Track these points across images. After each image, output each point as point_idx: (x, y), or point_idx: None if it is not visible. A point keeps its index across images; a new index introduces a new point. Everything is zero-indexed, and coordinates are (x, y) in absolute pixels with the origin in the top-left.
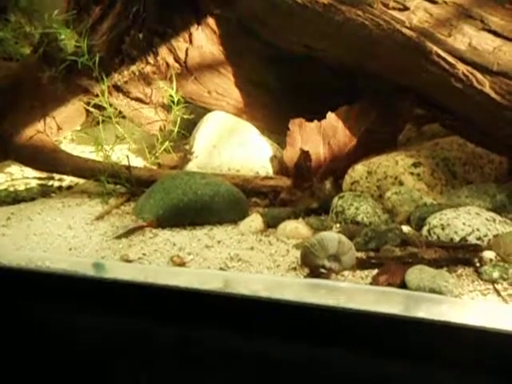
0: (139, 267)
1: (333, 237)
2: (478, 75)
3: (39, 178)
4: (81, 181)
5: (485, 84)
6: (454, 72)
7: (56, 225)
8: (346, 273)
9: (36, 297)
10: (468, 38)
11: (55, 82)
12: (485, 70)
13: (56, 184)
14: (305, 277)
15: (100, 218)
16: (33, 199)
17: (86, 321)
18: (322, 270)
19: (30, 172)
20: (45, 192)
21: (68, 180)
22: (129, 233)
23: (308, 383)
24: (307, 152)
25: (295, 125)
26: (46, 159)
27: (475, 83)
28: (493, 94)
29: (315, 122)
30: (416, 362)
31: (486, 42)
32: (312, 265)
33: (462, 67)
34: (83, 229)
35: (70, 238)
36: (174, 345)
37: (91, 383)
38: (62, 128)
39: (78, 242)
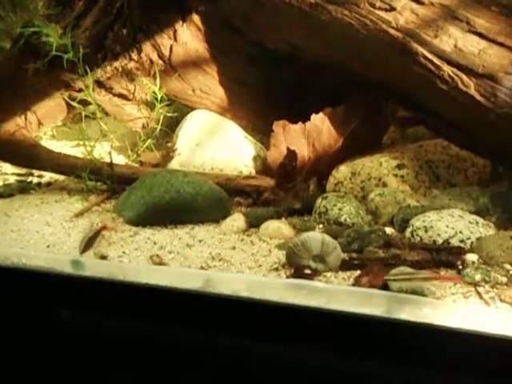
0: (118, 265)
1: (316, 237)
2: (464, 77)
3: (18, 174)
4: (61, 177)
5: (470, 86)
6: (440, 74)
7: (34, 221)
8: (328, 274)
9: (12, 294)
10: (454, 39)
11: (38, 75)
12: (470, 72)
13: (35, 180)
14: (288, 277)
15: (79, 215)
16: (11, 195)
17: (63, 318)
18: (307, 271)
19: (8, 168)
20: (23, 188)
21: (48, 176)
22: (90, 244)
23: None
24: (293, 151)
25: (279, 126)
26: (26, 155)
27: (460, 85)
28: (478, 97)
29: (299, 123)
30: (397, 363)
31: (472, 44)
32: (296, 265)
33: (447, 69)
34: (62, 226)
35: (47, 234)
36: (152, 343)
37: (68, 380)
38: (43, 123)
39: (56, 239)
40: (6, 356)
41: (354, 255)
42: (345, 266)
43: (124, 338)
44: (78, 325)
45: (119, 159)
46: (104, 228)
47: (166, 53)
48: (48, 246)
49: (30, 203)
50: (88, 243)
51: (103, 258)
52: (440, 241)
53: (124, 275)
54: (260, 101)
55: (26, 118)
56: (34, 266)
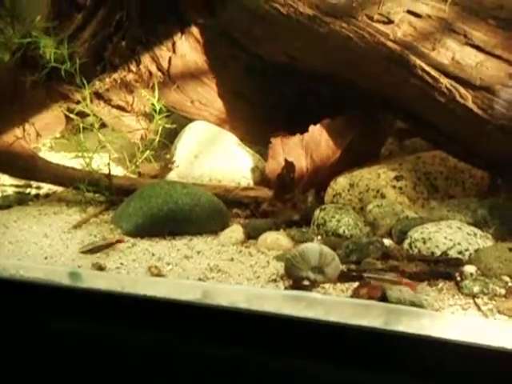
0: (116, 277)
1: (314, 248)
2: (461, 89)
3: (16, 186)
4: (59, 189)
5: (467, 98)
6: (438, 86)
7: (32, 233)
8: (326, 285)
9: (9, 306)
10: (451, 52)
11: (36, 87)
12: (468, 84)
13: (33, 192)
14: (286, 288)
15: (78, 226)
16: (9, 207)
17: (62, 330)
18: (305, 282)
19: (7, 179)
20: (21, 200)
21: (46, 188)
22: (96, 250)
23: None
24: (291, 163)
25: (277, 138)
26: (24, 166)
27: (458, 97)
28: (475, 109)
29: (297, 135)
30: (395, 374)
31: (469, 57)
32: (295, 276)
33: (445, 81)
34: (60, 237)
35: (46, 246)
36: (150, 355)
37: None
38: (41, 135)
39: (54, 251)
40: (4, 368)
41: (353, 267)
42: (343, 277)
43: (123, 349)
44: (76, 336)
45: (118, 170)
46: (118, 241)
47: (165, 65)
48: (46, 258)
49: (28, 214)
50: (95, 249)
51: (101, 269)
52: (438, 252)
53: (122, 287)
54: (258, 112)
55: (24, 130)
56: (31, 277)
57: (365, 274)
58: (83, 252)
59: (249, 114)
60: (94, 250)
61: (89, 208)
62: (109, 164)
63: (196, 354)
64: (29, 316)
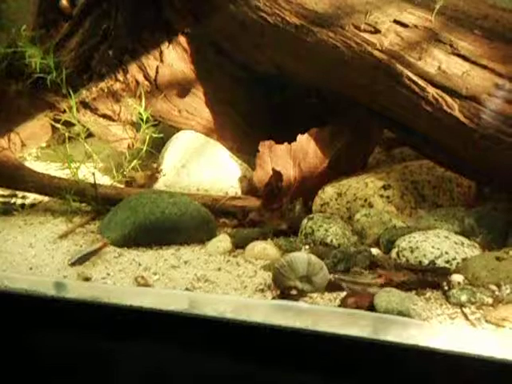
0: (102, 287)
1: (302, 258)
2: (448, 99)
3: (1, 196)
4: (45, 199)
5: (454, 107)
6: (424, 95)
7: (17, 243)
8: (314, 295)
9: None
10: (438, 61)
11: (21, 96)
12: (454, 93)
13: (19, 201)
14: (273, 298)
15: (63, 236)
16: None
17: (47, 341)
18: (293, 292)
19: None
20: (6, 210)
21: (31, 198)
22: (84, 259)
23: None
24: (279, 172)
25: (265, 147)
26: (9, 176)
27: (445, 107)
28: (462, 118)
29: (285, 144)
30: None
31: (456, 66)
32: (282, 286)
33: (431, 90)
34: (45, 247)
35: (31, 256)
36: (136, 366)
37: None
38: (27, 144)
39: (39, 261)
40: None
41: (341, 276)
42: (331, 287)
43: (109, 359)
44: (62, 347)
45: (104, 180)
46: (104, 245)
47: (152, 74)
48: (31, 268)
49: (13, 224)
50: (83, 258)
51: (87, 279)
52: (426, 262)
53: (108, 297)
54: (246, 122)
55: (9, 139)
56: (16, 288)
57: (338, 277)
58: (72, 264)
59: (236, 123)
60: (82, 259)
61: (75, 218)
62: (94, 174)
63: (183, 364)
64: (14, 327)
